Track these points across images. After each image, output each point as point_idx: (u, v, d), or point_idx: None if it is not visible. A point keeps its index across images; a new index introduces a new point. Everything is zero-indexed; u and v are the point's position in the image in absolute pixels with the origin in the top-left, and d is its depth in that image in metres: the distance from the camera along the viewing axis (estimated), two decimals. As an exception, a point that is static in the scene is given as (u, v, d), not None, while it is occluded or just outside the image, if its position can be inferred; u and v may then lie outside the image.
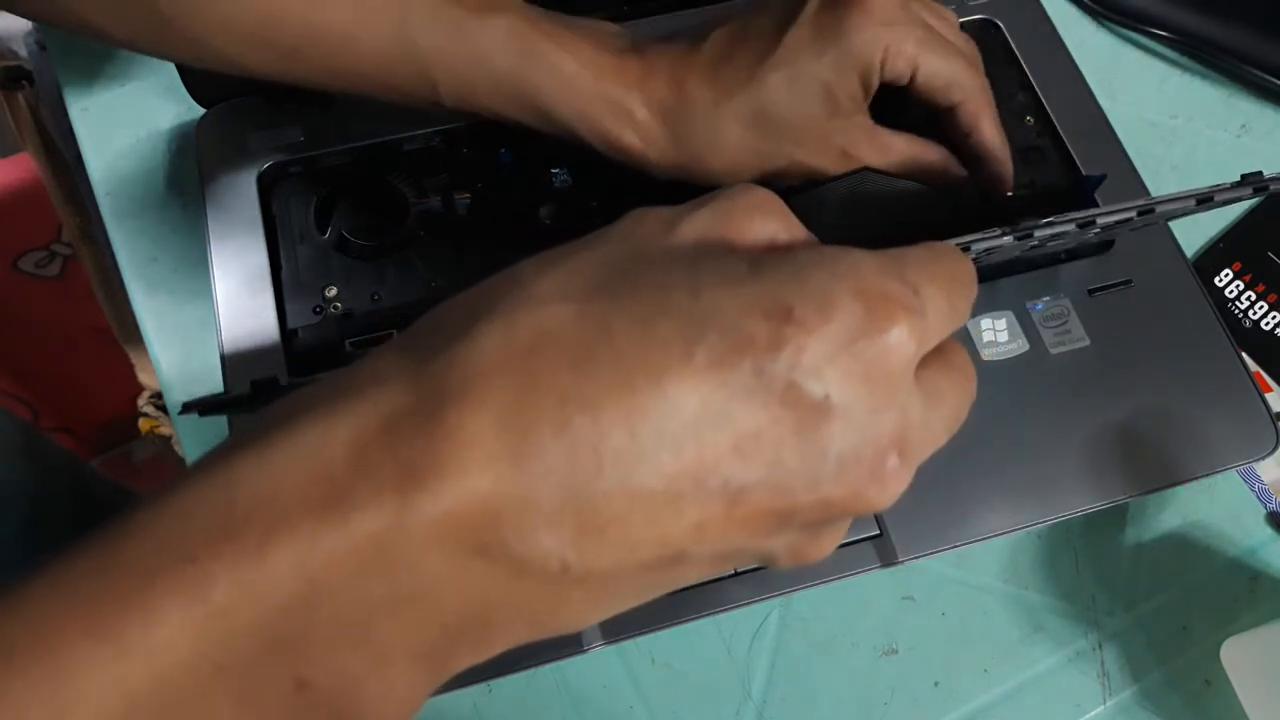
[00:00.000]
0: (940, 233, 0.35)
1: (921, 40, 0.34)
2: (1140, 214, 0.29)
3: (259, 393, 0.24)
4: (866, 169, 0.35)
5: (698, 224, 0.20)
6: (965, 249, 0.25)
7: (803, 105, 0.34)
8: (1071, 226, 0.28)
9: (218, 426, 0.38)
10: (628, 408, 0.17)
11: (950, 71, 0.35)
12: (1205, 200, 0.28)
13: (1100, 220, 0.27)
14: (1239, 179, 0.29)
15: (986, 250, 0.26)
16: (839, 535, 0.21)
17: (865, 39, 0.34)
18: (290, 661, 0.17)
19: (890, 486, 0.19)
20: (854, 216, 0.34)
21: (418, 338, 0.19)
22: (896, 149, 0.36)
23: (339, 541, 0.17)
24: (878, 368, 0.18)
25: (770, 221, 0.21)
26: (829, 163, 0.36)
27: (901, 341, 0.18)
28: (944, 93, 0.35)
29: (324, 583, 0.17)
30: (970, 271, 0.21)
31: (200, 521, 0.17)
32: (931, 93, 0.35)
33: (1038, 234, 0.27)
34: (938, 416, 0.20)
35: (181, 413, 0.25)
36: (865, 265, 0.19)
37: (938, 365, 0.20)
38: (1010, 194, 0.37)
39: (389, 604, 0.17)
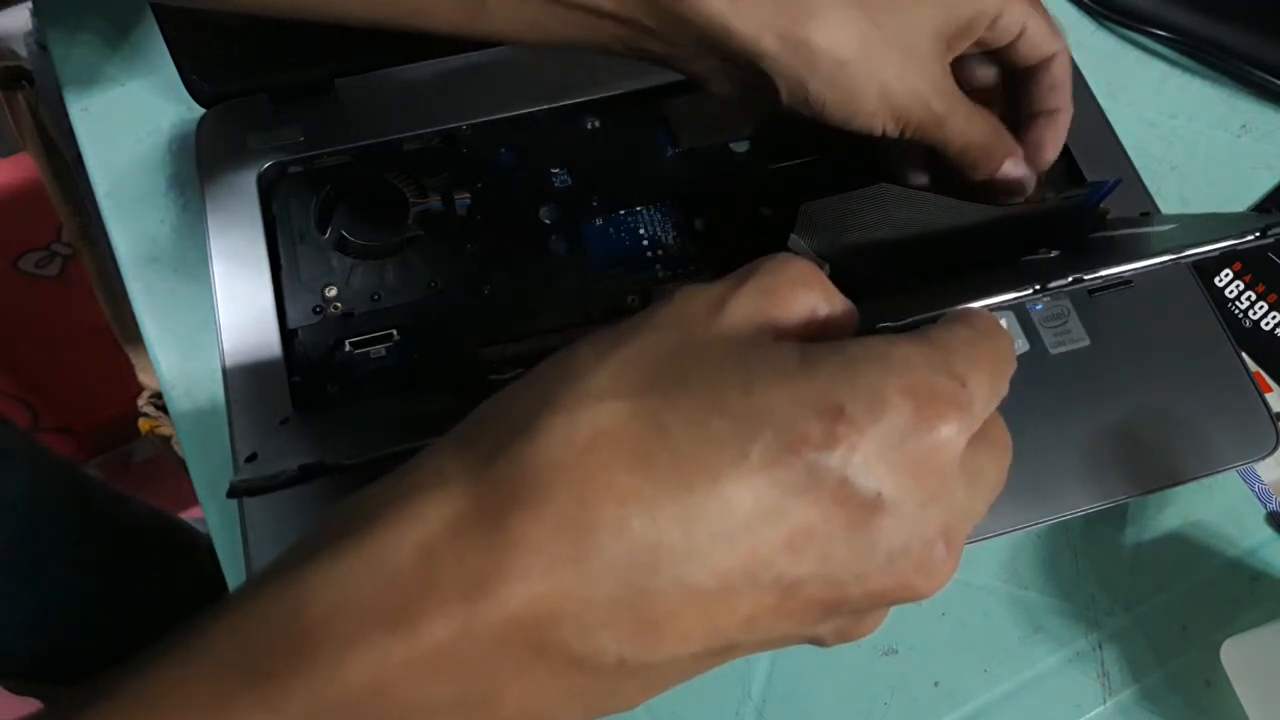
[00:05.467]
0: (955, 246, 0.35)
1: (1034, 2, 0.33)
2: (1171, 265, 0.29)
3: (306, 475, 0.25)
4: (886, 183, 0.34)
5: (743, 305, 0.21)
6: (996, 308, 0.25)
7: (928, 10, 0.31)
8: (1099, 283, 0.28)
9: (218, 429, 0.38)
10: (685, 507, 0.18)
11: (1050, 23, 0.34)
12: (1230, 251, 0.29)
13: (1130, 276, 0.27)
14: (1261, 229, 0.29)
15: (1011, 306, 0.26)
16: (884, 616, 0.21)
17: None
18: None
19: (938, 576, 0.19)
20: (870, 229, 0.34)
21: (477, 433, 0.20)
22: (975, 107, 0.34)
23: (408, 651, 0.17)
24: (927, 464, 0.19)
25: (812, 294, 0.21)
26: (928, 93, 0.32)
27: (950, 438, 0.19)
28: (1048, 44, 0.34)
29: (393, 690, 0.17)
30: (1011, 350, 0.22)
31: (276, 634, 0.18)
32: (1038, 45, 0.34)
33: (1067, 290, 0.27)
34: (979, 495, 0.21)
35: (229, 495, 0.26)
36: (914, 360, 0.19)
37: (980, 444, 0.21)
38: (1023, 206, 0.37)
39: (453, 707, 0.18)
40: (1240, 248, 0.29)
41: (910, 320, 0.24)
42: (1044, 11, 0.34)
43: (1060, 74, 0.35)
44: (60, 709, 0.18)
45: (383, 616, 0.17)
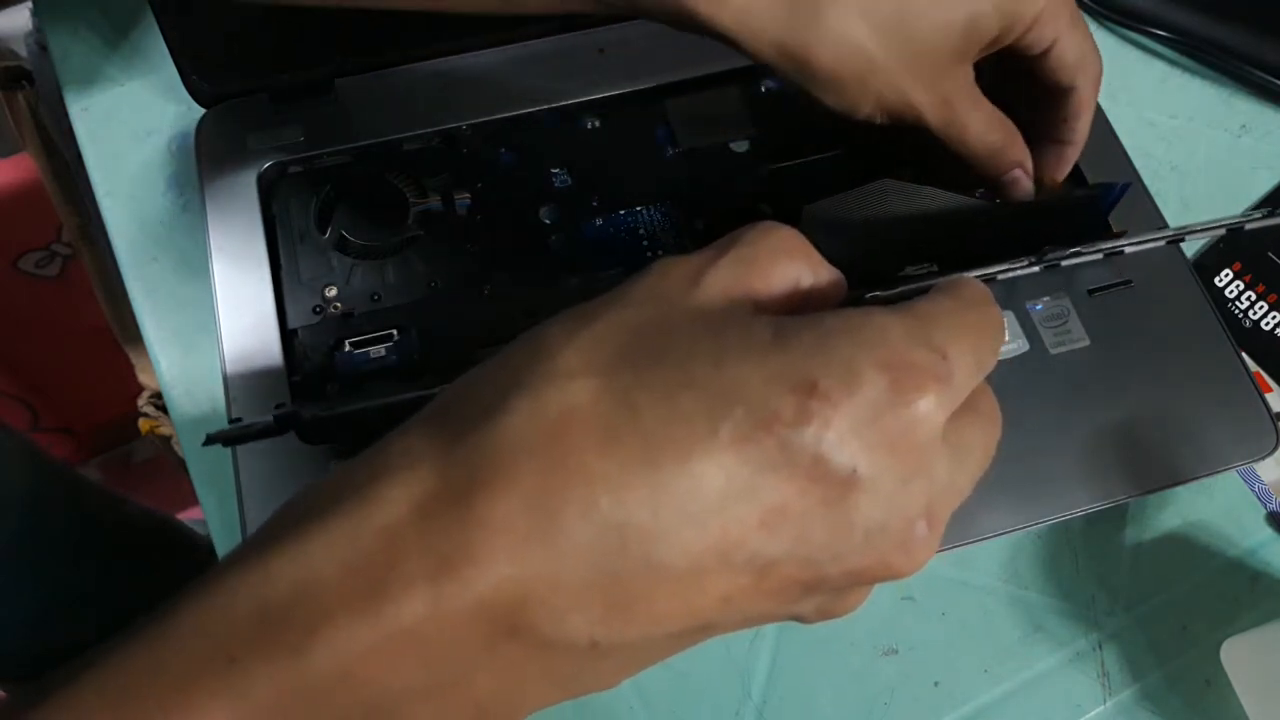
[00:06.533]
0: (959, 242, 0.35)
1: (1074, 16, 0.32)
2: (1169, 243, 0.28)
3: (282, 425, 0.24)
4: (888, 178, 0.34)
5: (722, 277, 0.20)
6: (990, 280, 0.25)
7: (941, 30, 0.30)
8: (1099, 256, 0.28)
9: (217, 428, 0.38)
10: (653, 485, 0.17)
11: (1085, 49, 0.33)
12: (1236, 230, 0.28)
13: (1129, 250, 0.27)
14: (1270, 209, 0.28)
15: (1009, 278, 0.26)
16: (867, 594, 0.21)
17: None
18: None
19: (918, 554, 0.19)
20: (874, 225, 0.33)
21: (446, 413, 0.19)
22: (988, 116, 0.33)
23: (375, 635, 0.17)
24: (905, 439, 0.18)
25: (794, 264, 0.21)
26: (924, 107, 0.32)
27: (929, 412, 0.18)
28: (1070, 72, 0.33)
29: (360, 675, 0.17)
30: (998, 320, 0.21)
31: (240, 619, 0.17)
32: (1059, 69, 0.33)
33: (1064, 264, 0.27)
34: (964, 470, 0.20)
35: (205, 444, 0.25)
36: (891, 332, 0.19)
37: (966, 417, 0.20)
38: (1028, 202, 0.37)
39: (423, 691, 0.18)
40: (1249, 228, 0.28)
41: (901, 290, 0.23)
42: (1083, 31, 0.33)
43: (1079, 108, 0.34)
44: (28, 695, 0.18)
45: (349, 600, 0.17)
